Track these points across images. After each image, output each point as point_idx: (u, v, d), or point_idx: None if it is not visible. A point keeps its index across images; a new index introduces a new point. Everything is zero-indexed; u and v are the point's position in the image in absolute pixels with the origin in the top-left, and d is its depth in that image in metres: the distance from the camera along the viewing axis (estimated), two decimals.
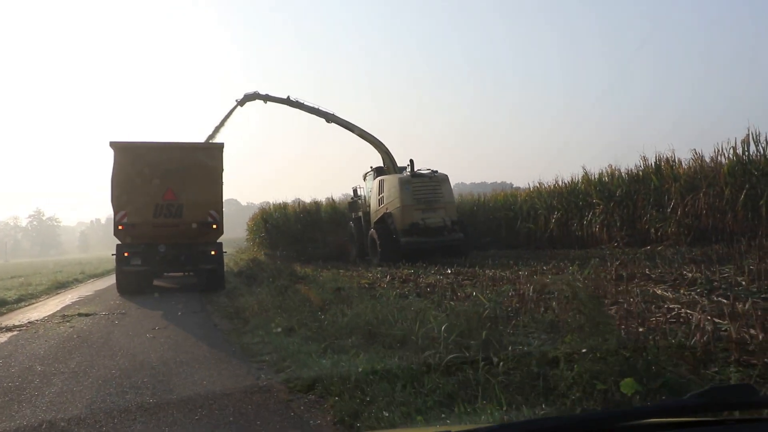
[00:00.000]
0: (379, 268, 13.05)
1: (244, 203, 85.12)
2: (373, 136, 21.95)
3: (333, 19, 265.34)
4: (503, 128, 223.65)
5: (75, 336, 8.11)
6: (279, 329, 7.22)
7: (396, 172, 21.10)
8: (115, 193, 13.31)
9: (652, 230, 13.87)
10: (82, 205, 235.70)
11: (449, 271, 11.44)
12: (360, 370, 4.55)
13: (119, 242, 13.58)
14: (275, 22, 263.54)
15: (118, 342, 7.50)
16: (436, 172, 19.90)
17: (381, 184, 20.34)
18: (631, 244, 13.73)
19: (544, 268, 10.51)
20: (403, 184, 19.15)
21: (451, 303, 6.81)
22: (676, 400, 2.25)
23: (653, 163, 14.92)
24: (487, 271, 10.67)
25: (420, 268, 12.99)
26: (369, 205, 21.54)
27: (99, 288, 16.74)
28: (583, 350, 3.89)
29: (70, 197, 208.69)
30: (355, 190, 23.17)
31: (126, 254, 13.15)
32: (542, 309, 6.31)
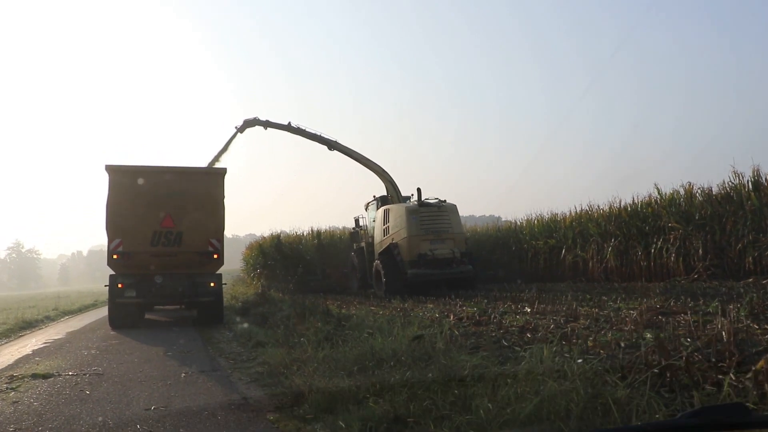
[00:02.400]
0: (430, 305, 9.52)
1: (229, 235, 79.68)
2: (377, 164, 18.75)
3: (321, 52, 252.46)
4: (488, 162, 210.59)
5: (11, 428, 4.23)
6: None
7: (400, 201, 18.01)
8: (109, 220, 11.09)
9: (749, 260, 10.49)
10: (65, 235, 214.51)
11: (528, 309, 7.96)
12: None
13: (113, 272, 11.35)
14: (263, 51, 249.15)
15: None
16: (444, 201, 16.87)
17: (386, 214, 17.20)
18: (717, 276, 10.55)
19: (658, 306, 7.18)
20: (411, 213, 16.11)
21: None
22: (669, 421, 2.07)
23: (749, 180, 11.31)
24: (580, 308, 7.31)
25: (478, 303, 9.42)
26: (372, 236, 18.30)
27: (72, 329, 12.35)
28: None
29: (52, 227, 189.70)
30: (356, 220, 19.91)
31: (120, 285, 11.04)
32: None
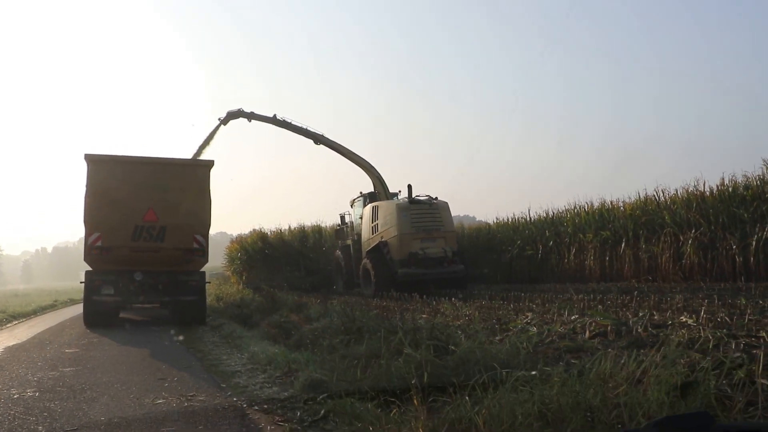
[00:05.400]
0: (528, 314, 6.64)
1: None
2: (365, 160, 16.59)
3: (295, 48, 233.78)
4: (463, 161, 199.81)
5: None
6: None
7: (388, 198, 15.84)
8: (88, 213, 9.77)
9: None
10: (28, 231, 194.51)
11: (688, 321, 5.33)
12: None
13: (89, 268, 10.17)
14: (232, 35, 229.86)
15: None
16: (436, 198, 14.83)
17: (375, 211, 15.11)
18: None
19: None
20: (401, 211, 14.17)
21: None
22: (633, 430, 1.96)
23: None
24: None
25: (595, 310, 6.60)
26: (358, 233, 16.09)
27: (15, 341, 8.92)
28: None
29: (16, 223, 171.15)
30: (342, 217, 17.66)
31: (97, 282, 9.82)
32: None
